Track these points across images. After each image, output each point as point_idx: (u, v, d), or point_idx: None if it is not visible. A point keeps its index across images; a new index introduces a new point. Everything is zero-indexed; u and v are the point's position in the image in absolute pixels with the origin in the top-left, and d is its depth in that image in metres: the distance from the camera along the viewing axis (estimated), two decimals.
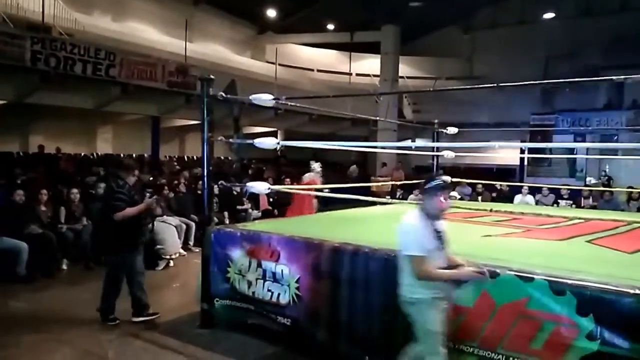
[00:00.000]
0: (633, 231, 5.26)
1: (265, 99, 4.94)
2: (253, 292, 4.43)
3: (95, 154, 16.40)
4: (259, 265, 4.41)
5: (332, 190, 7.59)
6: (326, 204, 8.41)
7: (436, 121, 8.20)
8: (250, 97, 5.05)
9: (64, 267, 6.99)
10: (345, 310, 3.90)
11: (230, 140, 8.22)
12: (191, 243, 8.46)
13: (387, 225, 5.66)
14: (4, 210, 6.70)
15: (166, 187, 9.28)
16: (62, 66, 11.08)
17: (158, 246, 7.28)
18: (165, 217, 8.07)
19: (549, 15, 21.97)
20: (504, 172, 19.85)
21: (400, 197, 12.09)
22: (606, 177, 14.22)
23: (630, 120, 16.28)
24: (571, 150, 15.49)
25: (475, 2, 22.13)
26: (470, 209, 6.41)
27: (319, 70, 24.55)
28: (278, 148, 4.90)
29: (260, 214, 10.18)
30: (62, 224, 7.20)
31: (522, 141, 16.29)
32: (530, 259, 3.50)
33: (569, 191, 10.82)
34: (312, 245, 4.16)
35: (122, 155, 15.97)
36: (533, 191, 10.70)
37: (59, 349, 4.36)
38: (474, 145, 5.96)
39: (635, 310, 2.76)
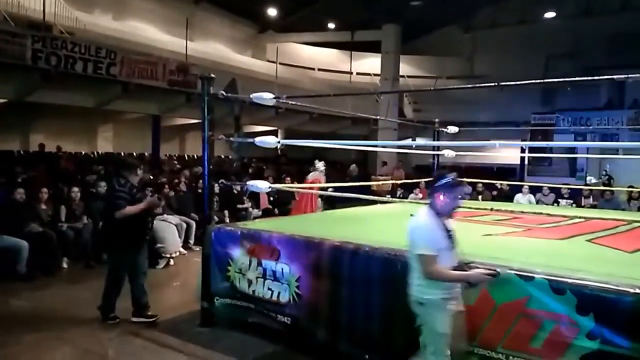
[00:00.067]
0: (633, 230, 5.26)
1: (265, 97, 4.94)
2: (253, 291, 4.44)
3: (95, 153, 16.40)
4: (259, 264, 4.41)
5: (334, 189, 7.62)
6: (331, 203, 8.47)
7: (437, 120, 8.19)
8: (251, 96, 5.05)
9: (65, 265, 6.99)
10: (345, 309, 3.90)
11: (231, 139, 8.26)
12: (191, 242, 8.47)
13: (388, 224, 5.69)
14: (4, 209, 6.71)
15: (166, 186, 9.28)
16: (62, 65, 11.07)
17: (158, 245, 7.28)
18: (165, 215, 8.08)
19: (549, 15, 21.95)
20: (504, 172, 19.84)
21: (401, 196, 12.10)
22: (607, 177, 14.20)
23: (631, 119, 16.25)
24: (572, 150, 15.48)
25: (476, 2, 22.11)
26: (470, 208, 6.40)
27: (319, 69, 24.54)
28: (278, 147, 4.89)
29: (260, 212, 10.19)
30: (63, 223, 7.21)
31: (522, 140, 16.27)
32: (530, 258, 3.50)
33: (569, 190, 10.83)
34: (313, 244, 4.17)
35: (122, 154, 15.99)
36: (533, 190, 10.70)
37: (59, 347, 4.37)
38: (474, 144, 5.98)
39: (635, 310, 2.76)
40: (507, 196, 10.97)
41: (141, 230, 4.92)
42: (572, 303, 2.94)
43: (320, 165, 8.82)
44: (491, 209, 5.77)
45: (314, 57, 24.87)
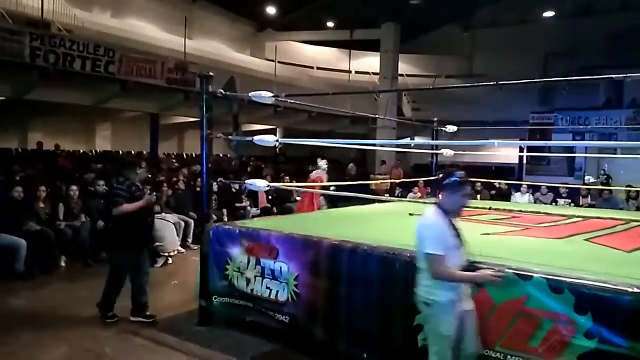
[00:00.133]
0: (631, 230, 5.27)
1: (264, 96, 4.93)
2: (252, 290, 4.43)
3: (94, 151, 16.39)
4: (258, 262, 4.41)
5: (327, 189, 7.64)
6: (333, 202, 8.52)
7: (436, 119, 8.19)
8: (250, 95, 5.05)
9: (63, 264, 6.99)
10: (343, 308, 3.90)
11: (230, 137, 8.25)
12: (190, 240, 8.46)
13: (386, 223, 5.69)
14: (2, 207, 6.69)
15: (165, 185, 9.28)
16: (61, 63, 11.06)
17: (157, 243, 7.26)
18: (164, 214, 8.08)
19: (549, 14, 21.95)
20: (503, 171, 19.86)
21: (400, 195, 12.12)
22: (605, 176, 14.22)
23: (630, 119, 16.26)
24: (570, 149, 15.49)
25: (476, 1, 22.10)
26: (469, 207, 6.40)
27: (318, 68, 24.54)
28: (277, 146, 4.88)
29: (259, 211, 10.18)
30: (61, 221, 7.20)
31: (521, 140, 16.29)
32: (529, 258, 3.50)
33: (567, 190, 10.83)
34: (311, 242, 4.16)
35: (121, 152, 15.98)
36: (532, 190, 10.71)
37: (58, 346, 4.37)
38: (473, 143, 5.97)
39: (634, 309, 2.76)
40: (505, 195, 10.98)
41: (142, 230, 4.89)
42: (571, 302, 2.94)
43: (322, 163, 8.87)
44: (490, 209, 5.78)
45: (313, 56, 24.86)
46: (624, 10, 20.17)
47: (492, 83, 4.61)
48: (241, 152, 17.17)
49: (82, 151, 15.90)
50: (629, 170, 13.76)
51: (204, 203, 5.01)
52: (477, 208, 5.61)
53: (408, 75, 22.47)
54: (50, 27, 13.10)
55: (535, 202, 10.29)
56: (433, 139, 8.37)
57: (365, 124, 20.80)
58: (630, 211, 9.09)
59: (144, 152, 16.05)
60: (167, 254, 7.43)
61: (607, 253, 4.04)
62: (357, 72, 24.22)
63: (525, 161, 17.92)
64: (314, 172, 9.00)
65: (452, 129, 7.71)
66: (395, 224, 5.60)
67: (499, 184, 11.49)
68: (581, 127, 16.95)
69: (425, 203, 7.37)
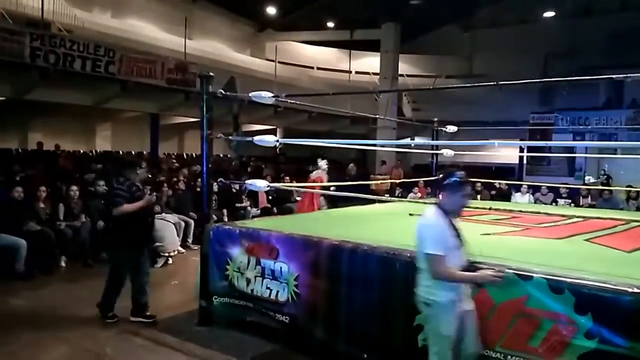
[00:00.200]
0: (631, 230, 5.27)
1: (264, 96, 4.93)
2: (252, 290, 4.43)
3: (94, 151, 16.39)
4: (258, 262, 4.40)
5: (326, 189, 7.65)
6: (333, 202, 8.55)
7: (435, 119, 8.19)
8: (250, 95, 5.04)
9: (63, 264, 6.99)
10: (343, 308, 3.90)
11: (230, 137, 8.25)
12: (190, 240, 8.47)
13: (386, 223, 5.69)
14: (2, 207, 6.68)
15: (165, 185, 9.28)
16: (61, 63, 11.06)
17: (157, 243, 7.26)
18: (164, 214, 8.08)
19: (549, 14, 21.95)
20: (503, 171, 19.85)
21: (400, 195, 12.12)
22: (605, 176, 14.22)
23: (630, 119, 16.27)
24: (570, 149, 15.49)
25: (475, 1, 22.10)
26: (469, 207, 6.41)
27: (318, 68, 24.54)
28: (277, 146, 4.88)
29: (259, 211, 10.18)
30: (61, 221, 7.20)
31: (521, 140, 16.29)
32: (529, 258, 3.50)
33: (567, 190, 10.83)
34: (311, 242, 4.16)
35: (121, 152, 15.98)
36: (532, 190, 10.70)
37: (57, 346, 4.37)
38: (473, 143, 5.97)
39: (634, 309, 2.76)
40: (505, 195, 10.97)
41: (142, 230, 4.88)
42: (571, 302, 2.94)
43: (323, 163, 8.89)
44: (490, 209, 5.78)
45: (313, 56, 24.86)
46: (624, 10, 20.17)
47: (492, 83, 4.61)
48: (241, 152, 17.17)
49: (82, 151, 15.90)
50: (629, 170, 13.76)
51: (204, 203, 5.00)
52: (477, 208, 5.61)
53: (408, 75, 22.47)
54: (50, 27, 13.10)
55: (535, 202, 10.29)
56: (433, 139, 8.36)
57: (365, 124, 20.80)
58: (630, 211, 9.09)
59: (144, 152, 16.05)
60: (167, 254, 7.43)
61: (607, 253, 4.04)
62: (357, 72, 24.23)
63: (525, 161, 17.92)
64: (314, 172, 9.03)
65: (452, 129, 7.71)
66: (395, 224, 5.60)
67: (499, 184, 11.49)
68: (581, 127, 16.95)
69: (425, 203, 7.37)
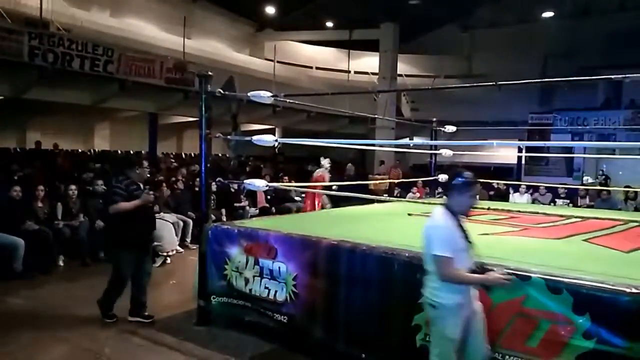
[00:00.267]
0: (630, 230, 5.28)
1: (263, 96, 4.93)
2: (250, 290, 4.43)
3: (92, 151, 16.38)
4: (256, 262, 4.40)
5: (329, 188, 7.66)
6: (335, 201, 8.61)
7: (434, 119, 8.19)
8: (249, 94, 5.04)
9: (61, 263, 6.98)
10: (342, 308, 3.90)
11: (229, 137, 8.26)
12: (188, 240, 8.46)
13: (385, 223, 5.69)
14: (0, 206, 6.67)
15: (164, 184, 9.27)
16: (59, 62, 11.05)
17: (155, 243, 7.25)
18: (162, 213, 8.07)
19: (548, 15, 21.97)
20: (501, 171, 19.86)
21: (398, 195, 12.13)
22: (603, 177, 14.24)
23: (628, 119, 16.29)
24: (569, 150, 15.51)
25: (474, 1, 22.11)
26: None
27: (317, 68, 24.53)
28: (276, 145, 4.87)
29: (257, 211, 10.18)
30: (59, 220, 7.19)
31: (520, 140, 16.31)
32: (527, 258, 3.50)
33: (566, 190, 10.84)
34: (310, 242, 4.16)
35: (119, 152, 15.97)
36: (531, 190, 10.71)
37: (56, 345, 4.36)
38: (472, 143, 5.97)
39: (632, 309, 2.77)
40: (504, 196, 10.98)
41: (141, 229, 4.83)
42: (569, 302, 2.94)
43: (325, 162, 8.94)
44: (488, 209, 5.78)
45: (312, 56, 24.85)
46: (623, 11, 20.18)
47: (490, 83, 4.61)
48: (240, 151, 17.16)
49: (80, 150, 15.90)
50: (627, 170, 13.79)
51: (202, 202, 5.00)
52: (475, 208, 5.61)
53: (407, 75, 22.48)
54: (48, 26, 13.09)
55: (533, 202, 10.31)
56: (432, 139, 8.36)
57: (364, 124, 20.80)
58: (628, 211, 9.10)
59: (143, 152, 16.03)
60: (165, 254, 7.43)
61: (606, 253, 4.05)
62: (356, 72, 24.20)
63: (523, 161, 17.94)
64: (317, 171, 9.09)
65: (450, 129, 7.71)
66: (393, 224, 5.61)
67: (498, 184, 11.49)
68: (580, 127, 16.97)
69: (423, 203, 7.38)
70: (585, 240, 4.58)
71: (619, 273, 3.11)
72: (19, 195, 6.78)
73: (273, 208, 10.44)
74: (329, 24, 23.64)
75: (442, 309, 2.82)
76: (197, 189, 8.20)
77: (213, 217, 6.44)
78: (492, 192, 11.34)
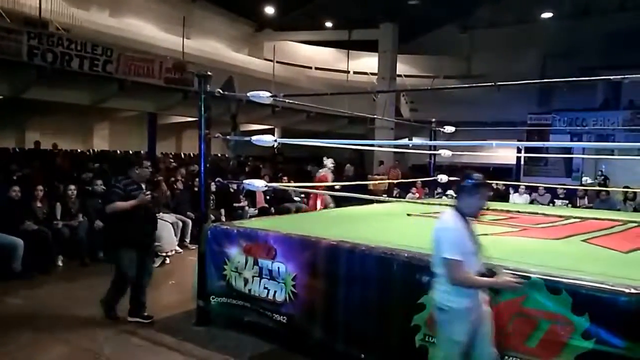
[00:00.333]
0: (629, 231, 5.28)
1: (262, 96, 4.93)
2: (249, 290, 4.43)
3: (91, 151, 16.37)
4: (256, 262, 4.40)
5: (331, 188, 7.68)
6: (337, 201, 8.65)
7: (433, 120, 8.19)
8: (248, 94, 5.04)
9: (60, 263, 6.97)
10: (341, 308, 3.90)
11: (228, 137, 8.25)
12: (187, 240, 8.46)
13: (384, 223, 5.69)
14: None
15: (163, 184, 9.25)
16: (59, 62, 11.04)
17: (155, 243, 7.26)
18: (161, 214, 8.06)
19: (547, 15, 21.98)
20: (500, 171, 19.85)
21: (397, 195, 12.13)
22: (602, 177, 14.24)
23: (627, 120, 16.30)
24: (568, 150, 15.52)
25: (474, 1, 22.12)
26: None
27: (316, 68, 24.53)
28: (275, 145, 4.87)
29: (257, 211, 10.18)
30: (58, 220, 7.18)
31: (518, 140, 16.32)
32: (526, 258, 3.50)
33: (565, 190, 10.85)
34: (309, 242, 4.16)
35: (118, 152, 15.96)
36: (529, 190, 10.71)
37: (55, 345, 4.35)
38: (471, 144, 5.97)
39: (631, 309, 2.77)
40: (503, 196, 10.99)
41: (140, 229, 4.80)
42: (568, 303, 2.94)
43: (329, 162, 8.98)
44: (487, 209, 5.78)
45: (311, 56, 24.85)
46: (622, 11, 20.19)
47: (490, 84, 4.61)
48: (239, 151, 17.17)
49: (79, 150, 15.88)
50: (626, 171, 13.78)
51: (201, 203, 5.00)
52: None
53: (406, 76, 22.48)
54: (48, 25, 13.08)
55: (532, 203, 10.31)
56: (431, 139, 8.37)
57: (363, 124, 20.79)
58: (627, 212, 9.11)
59: (142, 152, 16.02)
60: (164, 254, 7.42)
61: (605, 254, 4.05)
62: (355, 72, 24.20)
63: (522, 162, 17.95)
64: (320, 171, 9.15)
65: (449, 129, 7.72)
66: (392, 224, 5.61)
67: (497, 184, 11.49)
68: (578, 127, 16.99)
69: (422, 203, 7.38)
70: (584, 240, 4.58)
71: (618, 273, 3.12)
72: (18, 195, 6.77)
73: (272, 208, 10.44)
74: (328, 24, 23.63)
75: (451, 312, 2.80)
76: (196, 189, 8.22)
77: (212, 217, 6.46)
78: (491, 193, 11.34)
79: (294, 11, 22.19)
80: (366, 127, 20.91)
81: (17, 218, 6.61)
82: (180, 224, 8.36)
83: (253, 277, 4.41)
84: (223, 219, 9.06)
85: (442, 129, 7.90)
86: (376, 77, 20.18)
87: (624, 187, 10.15)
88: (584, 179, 15.80)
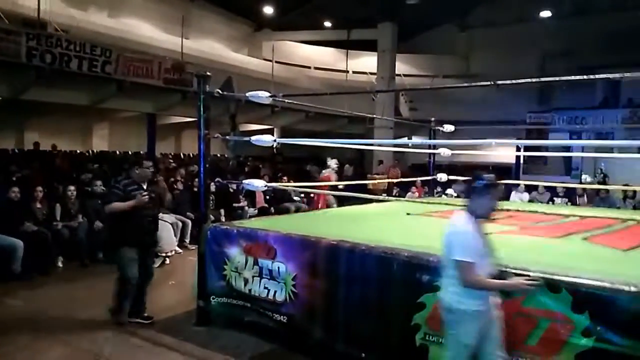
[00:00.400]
0: (628, 229, 5.28)
1: (262, 96, 4.93)
2: (249, 290, 4.43)
3: (91, 151, 16.36)
4: (256, 262, 4.40)
5: (334, 187, 7.70)
6: (340, 201, 8.69)
7: (433, 119, 8.19)
8: (247, 94, 5.04)
9: (60, 264, 6.97)
10: (341, 308, 3.90)
11: (227, 137, 8.27)
12: (187, 240, 8.46)
13: (384, 222, 5.69)
14: None
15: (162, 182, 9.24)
16: (57, 62, 11.05)
17: (156, 243, 7.26)
18: (161, 214, 8.05)
19: (545, 14, 21.98)
20: (500, 170, 19.80)
21: (397, 194, 12.13)
22: (602, 175, 14.24)
23: (626, 118, 16.31)
24: (567, 149, 15.51)
25: (472, 0, 22.12)
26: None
27: (315, 68, 24.52)
28: (274, 145, 4.88)
29: (256, 211, 10.18)
30: (58, 222, 7.18)
31: (518, 139, 16.31)
32: (526, 256, 3.50)
33: (564, 189, 10.85)
34: (309, 242, 4.16)
35: (117, 152, 15.95)
36: (529, 189, 10.71)
37: (55, 347, 4.34)
38: (470, 142, 5.97)
39: (630, 307, 2.77)
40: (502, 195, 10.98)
41: (140, 229, 4.77)
42: (568, 301, 2.94)
43: (332, 163, 9.01)
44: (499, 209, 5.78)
45: (310, 56, 24.85)
46: (621, 10, 20.19)
47: (489, 83, 4.61)
48: (238, 151, 17.16)
49: (78, 151, 15.88)
50: (626, 169, 13.79)
51: (201, 203, 5.00)
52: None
53: (405, 75, 22.48)
54: (46, 26, 13.07)
55: (532, 201, 10.31)
56: (430, 139, 8.37)
57: (362, 124, 20.77)
58: (627, 210, 9.11)
59: (141, 152, 16.02)
60: (164, 254, 7.42)
61: (604, 252, 4.05)
62: (354, 72, 24.20)
63: (522, 160, 17.95)
64: (324, 171, 9.19)
65: (449, 128, 7.72)
66: (392, 223, 5.60)
67: None
68: (578, 126, 16.99)
69: (422, 202, 7.38)
70: (584, 239, 4.58)
71: (618, 271, 3.12)
72: (18, 196, 6.76)
73: (272, 208, 10.44)
74: (327, 24, 23.64)
75: (461, 314, 2.78)
76: (195, 189, 8.22)
77: (212, 217, 6.46)
78: (501, 193, 11.33)
79: (292, 11, 22.20)
80: (365, 127, 20.89)
81: (17, 219, 6.60)
82: (180, 224, 8.36)
83: (253, 277, 4.41)
84: (223, 219, 9.06)
85: (441, 128, 7.90)
86: (375, 76, 20.17)
87: (624, 185, 10.16)
88: (583, 177, 15.82)
